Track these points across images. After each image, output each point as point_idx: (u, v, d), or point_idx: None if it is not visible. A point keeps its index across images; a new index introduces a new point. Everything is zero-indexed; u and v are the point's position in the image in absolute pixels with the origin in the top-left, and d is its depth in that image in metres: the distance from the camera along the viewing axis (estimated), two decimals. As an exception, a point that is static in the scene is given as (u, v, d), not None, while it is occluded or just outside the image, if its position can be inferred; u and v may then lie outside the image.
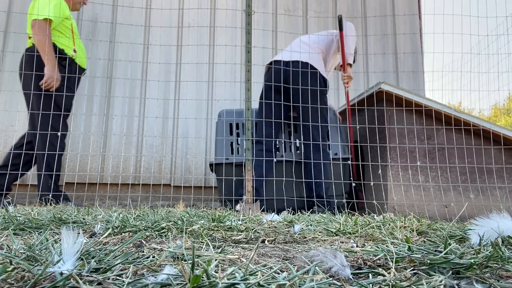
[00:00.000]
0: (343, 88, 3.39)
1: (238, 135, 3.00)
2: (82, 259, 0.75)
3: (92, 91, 3.74)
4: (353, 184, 3.00)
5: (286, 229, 1.41)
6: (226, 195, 2.85)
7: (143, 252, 0.90)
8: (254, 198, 2.67)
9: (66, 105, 2.97)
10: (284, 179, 2.86)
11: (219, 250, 0.94)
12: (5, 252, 0.81)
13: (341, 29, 3.03)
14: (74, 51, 3.05)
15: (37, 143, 2.88)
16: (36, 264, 0.70)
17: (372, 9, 4.33)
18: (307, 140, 2.85)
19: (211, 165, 3.00)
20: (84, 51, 3.21)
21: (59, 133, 2.91)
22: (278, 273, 0.69)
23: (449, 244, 0.91)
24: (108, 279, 0.62)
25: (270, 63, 3.06)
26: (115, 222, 1.41)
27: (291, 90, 2.90)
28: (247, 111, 2.75)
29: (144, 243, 1.05)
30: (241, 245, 1.13)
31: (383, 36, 4.26)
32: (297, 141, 3.00)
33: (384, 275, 0.71)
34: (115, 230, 1.25)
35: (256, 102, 3.05)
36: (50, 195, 2.80)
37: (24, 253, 0.79)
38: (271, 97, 2.92)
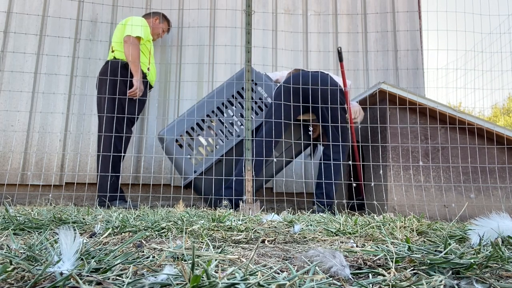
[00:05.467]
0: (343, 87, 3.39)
1: (190, 146, 2.96)
2: (82, 259, 0.75)
3: (93, 91, 3.74)
4: (354, 185, 3.00)
5: (286, 229, 1.41)
6: (214, 196, 2.85)
7: (143, 252, 0.90)
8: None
9: (134, 113, 3.24)
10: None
11: (219, 250, 0.94)
12: (5, 252, 0.81)
13: (341, 60, 3.06)
14: (148, 69, 3.38)
15: (102, 145, 3.10)
16: (36, 264, 0.70)
17: (372, 6, 4.33)
18: (329, 140, 2.90)
19: (186, 187, 2.98)
20: (155, 71, 3.56)
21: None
22: (278, 273, 0.69)
23: (449, 244, 0.91)
24: (108, 279, 0.62)
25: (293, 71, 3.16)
26: (115, 222, 1.41)
27: (316, 98, 2.94)
28: (247, 111, 2.76)
29: (144, 243, 1.05)
30: (241, 245, 1.13)
31: (383, 34, 4.25)
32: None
33: (384, 275, 0.71)
34: (115, 230, 1.26)
35: None
36: (107, 196, 2.98)
37: (24, 253, 0.79)
38: (288, 99, 2.94)
